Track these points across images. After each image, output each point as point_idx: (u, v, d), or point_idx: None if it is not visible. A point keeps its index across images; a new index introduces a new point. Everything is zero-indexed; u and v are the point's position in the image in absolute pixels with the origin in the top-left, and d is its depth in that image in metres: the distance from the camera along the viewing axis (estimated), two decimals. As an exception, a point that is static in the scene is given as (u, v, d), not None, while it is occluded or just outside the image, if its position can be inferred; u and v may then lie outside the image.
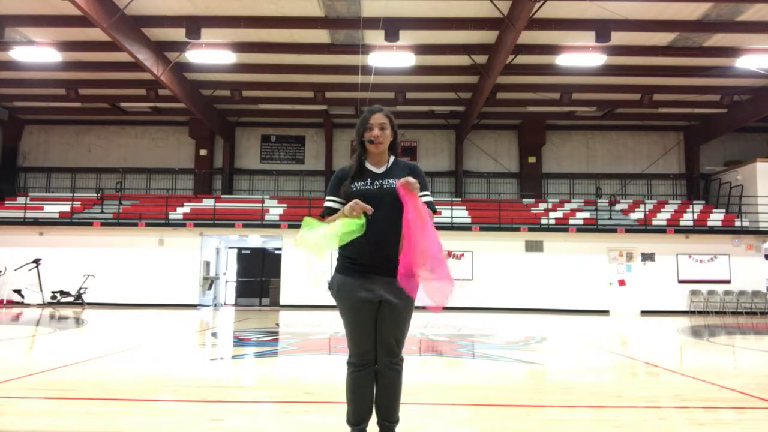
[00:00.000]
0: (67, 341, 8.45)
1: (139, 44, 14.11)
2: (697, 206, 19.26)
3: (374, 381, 2.84)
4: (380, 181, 2.83)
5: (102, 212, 18.49)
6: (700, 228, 17.90)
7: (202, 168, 21.28)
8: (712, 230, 17.89)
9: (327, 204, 2.88)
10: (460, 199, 20.48)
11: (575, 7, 12.95)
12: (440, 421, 3.72)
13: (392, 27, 13.59)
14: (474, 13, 13.48)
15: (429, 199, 2.86)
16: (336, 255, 2.89)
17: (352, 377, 2.84)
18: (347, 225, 2.63)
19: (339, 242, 2.65)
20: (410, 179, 2.68)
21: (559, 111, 19.86)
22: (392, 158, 2.95)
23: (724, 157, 21.35)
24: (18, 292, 16.91)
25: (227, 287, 20.78)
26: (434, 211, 2.88)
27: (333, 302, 2.86)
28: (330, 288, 2.86)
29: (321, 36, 14.76)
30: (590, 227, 17.88)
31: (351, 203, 2.67)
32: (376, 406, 2.85)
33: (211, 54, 15.30)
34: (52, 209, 18.42)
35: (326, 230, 2.65)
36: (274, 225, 17.91)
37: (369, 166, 2.90)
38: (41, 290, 16.97)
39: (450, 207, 18.32)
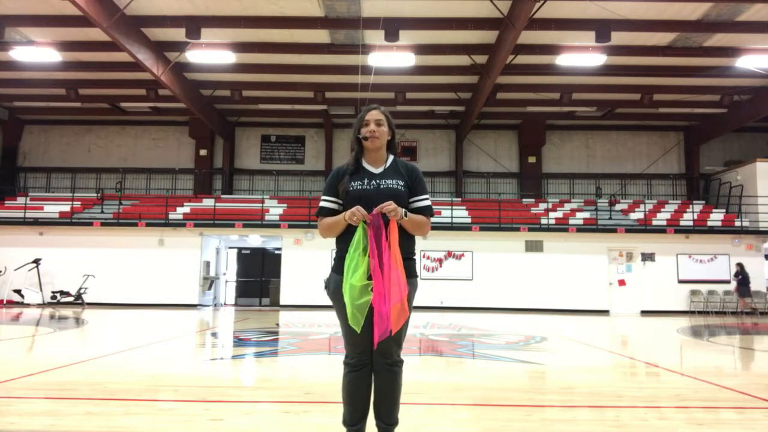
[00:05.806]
0: (67, 341, 8.44)
1: (139, 44, 14.12)
2: (697, 206, 19.26)
3: (371, 381, 2.79)
4: (377, 181, 2.76)
5: (102, 212, 18.49)
6: (700, 228, 17.90)
7: (202, 168, 21.29)
8: (712, 230, 17.89)
9: (322, 204, 2.82)
10: (460, 199, 20.48)
11: (575, 7, 12.96)
12: (440, 421, 3.72)
13: (392, 27, 13.59)
14: (474, 13, 13.49)
15: (426, 203, 2.81)
16: (333, 254, 2.87)
17: (348, 377, 2.79)
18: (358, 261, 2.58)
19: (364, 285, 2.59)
20: (383, 207, 2.58)
21: (559, 111, 19.85)
22: (391, 158, 2.89)
23: (724, 157, 21.36)
24: (18, 292, 16.92)
25: (227, 287, 20.78)
26: (431, 215, 2.83)
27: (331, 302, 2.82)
28: (326, 287, 2.80)
29: (321, 36, 14.76)
30: (590, 227, 17.88)
31: (352, 209, 2.61)
32: (374, 408, 2.79)
33: (211, 54, 15.32)
34: (52, 209, 18.42)
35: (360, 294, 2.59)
36: (274, 225, 17.91)
37: (366, 165, 2.83)
38: (41, 290, 16.97)
39: (450, 207, 18.32)
